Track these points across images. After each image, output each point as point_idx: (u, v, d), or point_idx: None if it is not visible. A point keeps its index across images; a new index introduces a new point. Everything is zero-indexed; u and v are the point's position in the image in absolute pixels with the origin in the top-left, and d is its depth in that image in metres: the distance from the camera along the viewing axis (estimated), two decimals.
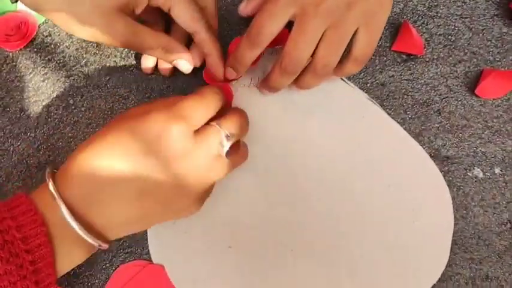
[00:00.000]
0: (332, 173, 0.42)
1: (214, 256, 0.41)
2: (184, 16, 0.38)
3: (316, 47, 0.36)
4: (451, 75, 0.44)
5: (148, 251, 0.42)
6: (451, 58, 0.44)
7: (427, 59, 0.44)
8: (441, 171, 0.42)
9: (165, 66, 0.43)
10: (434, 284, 0.41)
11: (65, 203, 0.32)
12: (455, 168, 0.42)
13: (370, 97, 0.43)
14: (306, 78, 0.39)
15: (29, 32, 0.45)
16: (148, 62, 0.43)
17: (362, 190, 0.42)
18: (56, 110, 0.44)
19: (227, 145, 0.35)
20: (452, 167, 0.42)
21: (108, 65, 0.45)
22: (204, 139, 0.34)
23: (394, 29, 0.45)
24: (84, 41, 0.45)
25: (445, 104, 0.43)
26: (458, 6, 0.45)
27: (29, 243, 0.30)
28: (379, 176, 0.42)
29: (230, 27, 0.45)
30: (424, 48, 0.44)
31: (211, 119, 0.35)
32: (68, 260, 0.33)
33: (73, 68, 0.45)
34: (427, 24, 0.45)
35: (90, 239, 0.32)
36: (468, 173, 0.42)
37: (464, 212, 0.42)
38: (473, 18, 0.44)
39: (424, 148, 0.42)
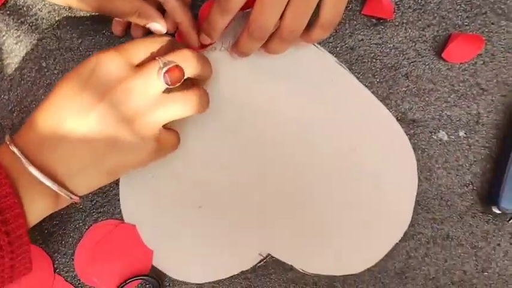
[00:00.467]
0: (299, 135, 0.43)
1: (184, 216, 0.42)
2: None
3: (283, 13, 0.36)
4: (419, 39, 0.44)
5: (120, 210, 0.43)
6: (420, 22, 0.44)
7: (397, 23, 0.44)
8: (407, 134, 0.43)
9: (137, 32, 0.43)
10: (397, 243, 0.42)
11: (21, 152, 0.33)
12: (420, 131, 0.43)
13: (339, 61, 0.44)
14: (273, 44, 0.39)
15: None
16: (118, 27, 0.43)
17: (328, 152, 0.42)
18: (29, 72, 0.44)
19: (164, 69, 0.33)
20: (418, 130, 0.43)
21: (80, 27, 0.45)
22: (142, 69, 0.34)
23: None
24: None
25: (413, 68, 0.43)
26: None
27: None
28: (346, 138, 0.43)
29: None
30: (394, 12, 0.44)
31: None
32: (35, 209, 0.34)
33: (45, 31, 0.45)
34: None
35: (47, 181, 0.33)
36: (433, 136, 0.43)
37: (428, 173, 0.42)
38: None
39: (391, 111, 0.43)
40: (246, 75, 0.43)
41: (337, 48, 0.44)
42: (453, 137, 0.43)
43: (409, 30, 0.44)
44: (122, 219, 0.43)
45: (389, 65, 0.43)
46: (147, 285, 0.42)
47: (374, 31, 0.44)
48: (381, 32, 0.44)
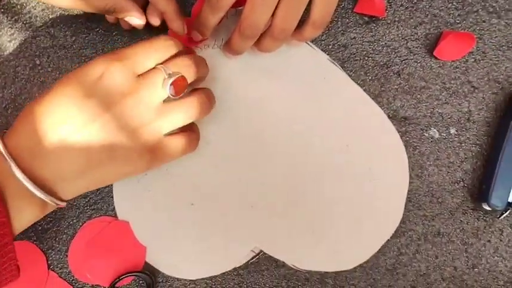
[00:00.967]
0: (292, 132, 0.43)
1: (177, 213, 0.42)
2: None
3: (275, 11, 0.36)
4: (411, 37, 0.44)
5: (114, 207, 0.43)
6: (412, 20, 0.44)
7: (389, 21, 0.44)
8: (398, 131, 0.43)
9: (125, 24, 0.43)
10: (388, 240, 0.42)
11: (12, 157, 0.31)
12: (412, 129, 0.43)
13: (332, 59, 0.44)
14: (265, 42, 0.39)
15: None
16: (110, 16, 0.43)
17: (321, 149, 0.42)
18: (23, 70, 0.44)
19: (170, 80, 0.33)
20: (409, 127, 0.43)
21: (74, 25, 0.45)
22: (146, 79, 0.33)
23: None
24: None
25: (405, 65, 0.43)
26: None
27: None
28: (338, 135, 0.43)
29: None
30: (386, 10, 0.44)
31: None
32: (22, 218, 0.32)
33: (39, 29, 0.45)
34: None
35: (37, 191, 0.31)
36: (425, 133, 0.43)
37: (420, 171, 0.43)
38: None
39: (382, 109, 0.43)
40: (238, 74, 0.43)
41: (330, 46, 0.44)
42: (444, 135, 0.43)
43: (401, 28, 0.44)
44: (115, 216, 0.43)
45: (381, 63, 0.43)
46: (141, 282, 0.42)
47: (366, 29, 0.44)
48: (373, 30, 0.44)
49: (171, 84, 0.33)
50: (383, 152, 0.42)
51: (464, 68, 0.43)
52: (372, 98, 0.43)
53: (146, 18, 0.40)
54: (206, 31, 0.39)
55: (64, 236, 0.43)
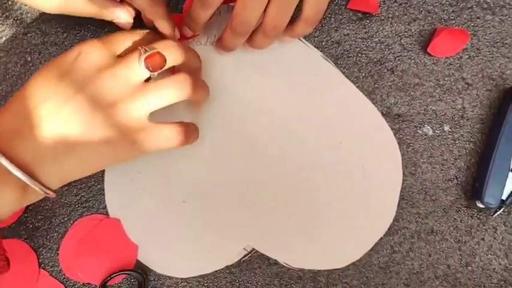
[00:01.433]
0: (285, 129, 0.42)
1: (168, 211, 0.42)
2: None
3: (266, 7, 0.35)
4: (405, 33, 0.43)
5: (105, 205, 0.42)
6: (405, 16, 0.43)
7: (382, 18, 0.43)
8: (392, 128, 0.42)
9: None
10: (382, 238, 0.41)
11: None
12: (406, 126, 0.42)
13: (325, 55, 0.43)
14: (257, 39, 0.39)
15: None
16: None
17: (314, 146, 0.42)
18: (14, 67, 0.44)
19: (144, 55, 0.33)
20: (403, 124, 0.42)
21: (65, 22, 0.44)
22: (124, 58, 0.33)
23: None
24: None
25: (399, 62, 0.43)
26: None
27: None
28: (331, 132, 0.42)
29: None
30: (380, 6, 0.43)
31: None
32: (1, 202, 0.31)
33: (30, 25, 0.44)
34: None
35: (15, 170, 0.30)
36: (418, 131, 0.42)
37: (413, 168, 0.42)
38: None
39: (376, 106, 0.42)
40: (231, 71, 0.43)
41: (323, 43, 0.43)
42: (438, 132, 0.42)
43: (395, 25, 0.43)
44: (106, 214, 0.42)
45: (374, 60, 0.43)
46: (132, 280, 0.42)
47: (360, 25, 0.43)
48: (366, 26, 0.43)
49: (146, 59, 0.33)
50: (376, 149, 0.42)
51: (458, 65, 0.42)
52: (366, 95, 0.42)
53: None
54: (197, 27, 0.39)
55: (55, 234, 0.42)
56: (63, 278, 0.42)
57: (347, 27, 0.43)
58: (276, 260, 0.41)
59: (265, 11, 0.35)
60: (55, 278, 0.42)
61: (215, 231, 0.41)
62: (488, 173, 0.40)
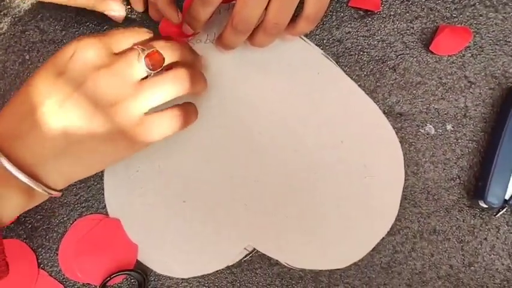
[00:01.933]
0: (286, 128, 0.42)
1: (168, 210, 0.41)
2: None
3: (268, 5, 0.35)
4: (407, 31, 0.43)
5: (105, 205, 0.42)
6: (407, 14, 0.43)
7: (384, 15, 0.43)
8: (394, 127, 0.42)
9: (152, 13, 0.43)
10: (384, 237, 0.41)
11: None
12: (408, 125, 0.42)
13: (326, 53, 0.43)
14: (258, 37, 0.38)
15: None
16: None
17: (315, 145, 0.41)
18: (12, 65, 0.43)
19: (144, 53, 0.33)
20: (405, 123, 0.42)
21: (64, 20, 0.44)
22: (122, 55, 0.33)
23: None
24: None
25: (401, 60, 0.42)
26: None
27: None
28: (333, 131, 0.41)
29: None
30: (381, 4, 0.42)
31: None
32: (6, 205, 0.31)
33: (29, 23, 0.44)
34: None
35: (19, 174, 0.30)
36: (420, 130, 0.42)
37: (416, 167, 0.42)
38: None
39: (378, 105, 0.42)
40: (232, 68, 0.42)
41: (324, 41, 0.43)
42: (440, 131, 0.42)
43: (397, 23, 0.42)
44: (106, 213, 0.42)
45: (376, 58, 0.42)
46: (132, 280, 0.41)
47: (361, 23, 0.43)
48: (368, 24, 0.43)
49: (145, 57, 0.33)
50: (378, 148, 0.41)
51: (460, 63, 0.42)
52: (367, 94, 0.42)
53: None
54: (197, 25, 0.38)
55: (54, 234, 0.42)
56: (63, 278, 0.41)
57: (348, 25, 0.43)
58: (277, 260, 0.41)
59: (266, 8, 0.35)
60: (54, 278, 0.41)
61: (216, 231, 0.41)
62: (491, 172, 0.39)
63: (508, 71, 0.41)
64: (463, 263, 0.40)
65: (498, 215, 0.40)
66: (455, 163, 0.41)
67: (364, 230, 0.40)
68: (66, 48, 0.33)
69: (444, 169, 0.41)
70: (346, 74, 0.42)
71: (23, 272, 0.41)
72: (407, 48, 0.42)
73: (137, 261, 0.41)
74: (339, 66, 0.42)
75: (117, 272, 0.40)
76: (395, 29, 0.42)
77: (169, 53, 0.34)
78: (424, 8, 0.42)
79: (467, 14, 0.42)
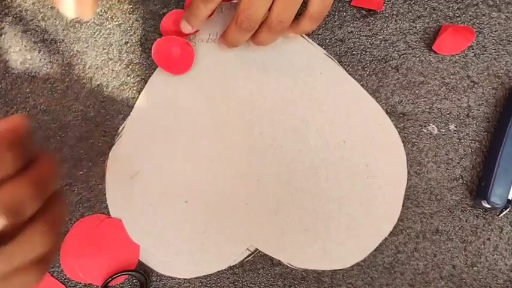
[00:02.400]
0: (288, 128, 0.41)
1: (170, 210, 0.41)
2: None
3: (272, 3, 0.34)
4: (410, 31, 0.42)
5: (107, 205, 0.42)
6: (410, 14, 0.42)
7: (387, 15, 0.42)
8: (397, 127, 0.41)
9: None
10: (386, 238, 0.40)
11: None
12: (410, 125, 0.41)
13: (329, 53, 0.42)
14: (262, 35, 0.38)
15: None
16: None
17: (317, 145, 0.41)
18: (14, 65, 0.43)
19: None
20: (407, 123, 0.42)
21: (65, 19, 0.43)
22: None
23: None
24: None
25: (403, 60, 0.42)
26: None
27: None
28: (335, 131, 0.41)
29: None
30: (384, 3, 0.42)
31: None
32: None
33: (30, 23, 0.43)
34: None
35: None
36: (423, 129, 0.41)
37: (418, 167, 0.41)
38: None
39: (380, 104, 0.42)
40: (234, 68, 0.42)
41: (327, 41, 0.42)
42: (443, 131, 0.41)
43: (400, 22, 0.42)
44: (108, 214, 0.41)
45: (379, 58, 0.42)
46: (134, 281, 0.41)
47: (364, 23, 0.42)
48: (370, 23, 0.42)
49: None
50: (381, 148, 0.41)
51: (463, 63, 0.41)
52: (370, 93, 0.41)
53: None
54: (196, 22, 0.38)
55: None
56: (65, 279, 0.41)
57: (351, 25, 0.42)
58: (279, 261, 0.40)
59: (271, 6, 0.35)
60: (56, 278, 0.41)
61: (218, 231, 0.40)
62: (494, 172, 0.39)
63: (511, 71, 0.41)
64: (466, 263, 0.40)
65: (501, 215, 0.40)
66: (458, 163, 0.41)
67: (367, 230, 0.40)
68: None
69: (447, 169, 0.41)
70: (349, 73, 0.41)
71: None
72: (410, 48, 0.42)
73: (139, 261, 0.40)
74: (341, 65, 0.41)
75: (119, 273, 0.40)
76: (398, 29, 0.42)
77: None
78: (426, 8, 0.42)
79: (470, 13, 0.42)
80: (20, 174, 0.22)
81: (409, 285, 0.40)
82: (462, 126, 0.41)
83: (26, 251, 0.23)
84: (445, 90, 0.41)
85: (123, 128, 0.41)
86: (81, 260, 0.40)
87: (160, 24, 0.42)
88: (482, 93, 0.41)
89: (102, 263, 0.40)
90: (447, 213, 0.40)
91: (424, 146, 0.41)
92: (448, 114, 0.41)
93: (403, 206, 0.40)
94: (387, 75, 0.41)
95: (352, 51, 0.42)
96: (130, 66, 0.42)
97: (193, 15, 0.37)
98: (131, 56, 0.42)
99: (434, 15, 0.42)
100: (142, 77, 0.42)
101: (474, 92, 0.41)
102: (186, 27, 0.39)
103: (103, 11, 0.42)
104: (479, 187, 0.40)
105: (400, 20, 0.42)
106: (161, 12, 0.42)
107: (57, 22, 0.43)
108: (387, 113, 0.41)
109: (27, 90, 0.42)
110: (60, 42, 0.43)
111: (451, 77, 0.41)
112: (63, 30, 0.43)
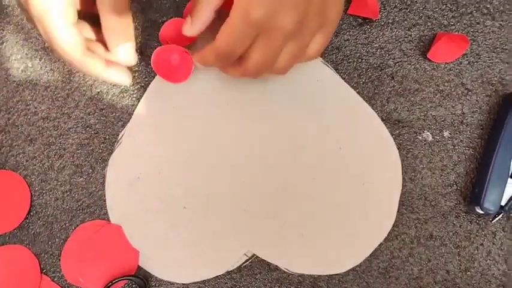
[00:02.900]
0: (285, 134, 0.42)
1: (169, 216, 0.42)
2: None
3: (250, 47, 0.32)
4: (405, 39, 0.43)
5: (107, 211, 0.42)
6: (405, 22, 0.43)
7: (382, 23, 0.43)
8: (392, 134, 0.42)
9: None
10: (381, 243, 0.41)
11: None
12: (405, 132, 0.42)
13: (325, 61, 0.43)
14: (236, 73, 0.36)
15: None
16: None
17: (313, 152, 0.42)
18: (15, 73, 0.43)
19: None
20: (403, 130, 0.42)
21: None
22: None
23: None
24: None
25: (399, 68, 0.42)
26: None
27: None
28: (331, 138, 0.42)
29: None
30: (380, 12, 0.43)
31: None
32: None
33: (31, 31, 0.44)
34: None
35: None
36: (418, 136, 0.42)
37: (413, 174, 0.42)
38: None
39: (376, 111, 0.42)
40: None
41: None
42: (438, 137, 0.42)
43: (395, 30, 0.43)
44: (108, 220, 0.42)
45: (375, 65, 0.43)
46: (134, 286, 0.41)
47: (360, 31, 0.43)
48: (366, 32, 0.43)
49: None
50: (376, 154, 0.41)
51: (458, 70, 0.42)
52: (366, 101, 0.42)
53: None
54: (197, 21, 0.37)
55: (57, 240, 0.42)
56: (65, 284, 0.41)
57: (347, 33, 0.43)
58: (276, 266, 0.41)
59: (249, 49, 0.32)
60: (57, 283, 0.41)
61: (216, 236, 0.41)
62: (487, 178, 0.39)
63: (504, 78, 0.42)
64: (460, 268, 0.41)
65: (494, 221, 0.40)
66: (452, 169, 0.41)
67: (362, 236, 0.41)
68: None
69: (441, 175, 0.41)
70: (345, 81, 0.42)
71: (25, 278, 0.41)
72: (405, 56, 0.42)
73: (138, 266, 0.41)
74: (337, 73, 0.42)
75: (118, 278, 0.40)
76: (394, 37, 0.42)
77: None
78: (421, 16, 0.42)
79: (465, 22, 0.42)
80: None
81: None
82: (456, 133, 0.41)
83: None
84: (439, 98, 0.42)
85: (122, 135, 0.42)
86: (82, 265, 0.41)
87: (159, 32, 0.42)
88: (476, 100, 0.41)
89: (102, 268, 0.41)
90: (441, 219, 0.41)
91: (419, 152, 0.41)
92: (443, 121, 0.41)
93: (398, 211, 0.41)
94: (383, 82, 0.42)
95: (349, 59, 0.42)
96: None
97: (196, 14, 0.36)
98: None
99: (429, 24, 0.42)
100: (142, 85, 0.42)
101: (468, 100, 0.41)
102: (187, 29, 0.37)
103: None
104: (472, 193, 0.40)
105: (395, 28, 0.42)
106: (160, 21, 0.42)
107: None
108: (383, 120, 0.41)
109: (29, 97, 0.43)
110: None
111: (446, 84, 0.42)
112: None
